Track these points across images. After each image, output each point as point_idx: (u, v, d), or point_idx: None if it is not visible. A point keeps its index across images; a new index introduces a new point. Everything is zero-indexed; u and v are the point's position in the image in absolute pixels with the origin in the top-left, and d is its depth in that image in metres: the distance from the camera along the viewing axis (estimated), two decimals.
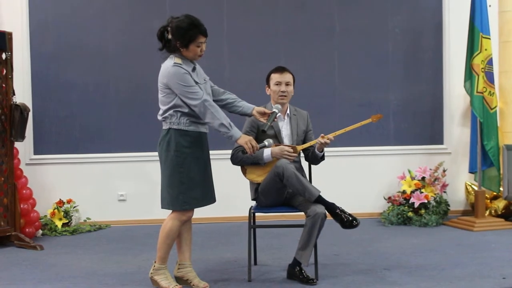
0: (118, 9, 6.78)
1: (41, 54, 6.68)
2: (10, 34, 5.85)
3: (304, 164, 4.83)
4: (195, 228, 4.56)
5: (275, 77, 4.70)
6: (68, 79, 6.72)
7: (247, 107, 4.34)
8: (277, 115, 4.40)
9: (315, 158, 4.71)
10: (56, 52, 6.71)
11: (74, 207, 6.62)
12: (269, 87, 4.75)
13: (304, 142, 4.74)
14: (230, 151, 4.61)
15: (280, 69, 4.73)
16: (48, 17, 6.69)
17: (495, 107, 6.41)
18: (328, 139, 4.50)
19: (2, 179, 5.78)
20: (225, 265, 4.96)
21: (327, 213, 4.34)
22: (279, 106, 4.46)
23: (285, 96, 4.66)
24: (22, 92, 6.41)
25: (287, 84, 4.67)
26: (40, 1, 6.67)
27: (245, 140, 4.12)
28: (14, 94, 5.86)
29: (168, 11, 4.27)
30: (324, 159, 4.74)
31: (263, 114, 4.31)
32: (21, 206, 5.94)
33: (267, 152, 4.49)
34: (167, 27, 4.13)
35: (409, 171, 6.73)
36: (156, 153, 4.25)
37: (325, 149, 4.63)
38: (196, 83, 4.11)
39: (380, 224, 6.54)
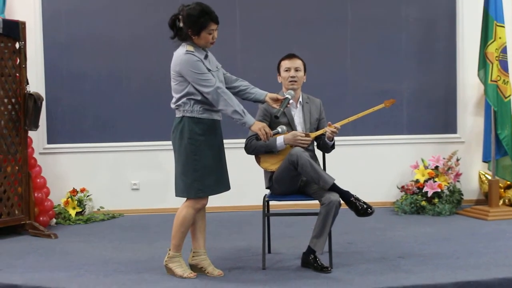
0: None
1: (54, 43, 6.70)
2: (23, 23, 5.86)
3: (318, 152, 4.82)
4: (208, 217, 4.56)
5: (284, 64, 4.70)
6: (81, 69, 6.74)
7: (259, 93, 4.33)
8: (290, 101, 4.38)
9: (325, 146, 4.71)
10: (69, 42, 6.72)
11: (88, 196, 6.65)
12: (279, 74, 4.75)
13: (317, 130, 4.72)
14: (243, 140, 4.60)
15: (290, 56, 4.74)
16: (61, 7, 6.70)
17: (509, 95, 6.35)
18: (335, 127, 4.50)
19: (17, 168, 5.81)
20: (239, 253, 4.96)
21: (341, 201, 4.34)
22: (292, 92, 4.45)
23: (295, 81, 4.65)
24: (36, 81, 6.44)
25: (296, 69, 4.66)
26: None
27: (259, 126, 4.12)
28: (28, 83, 5.88)
29: (180, 1, 4.26)
30: (334, 148, 4.74)
31: (276, 100, 4.30)
32: (35, 195, 5.96)
33: (280, 140, 4.48)
34: (178, 15, 4.14)
35: (423, 160, 6.70)
36: (169, 142, 4.27)
37: (340, 137, 4.62)
38: (209, 70, 4.12)
39: (394, 213, 6.53)
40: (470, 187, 6.95)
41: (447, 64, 6.99)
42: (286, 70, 4.67)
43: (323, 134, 4.62)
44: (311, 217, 4.51)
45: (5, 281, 4.28)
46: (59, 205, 6.52)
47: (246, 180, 6.05)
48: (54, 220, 6.30)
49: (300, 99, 4.74)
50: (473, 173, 6.96)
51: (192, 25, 4.08)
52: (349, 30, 6.94)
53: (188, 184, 4.13)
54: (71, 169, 6.73)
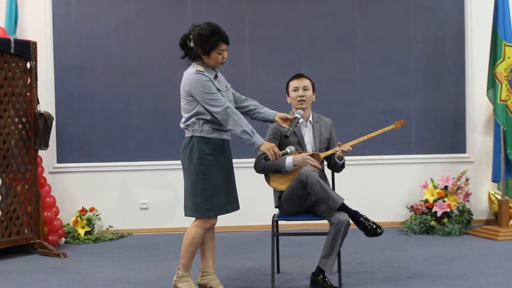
0: (141, 18, 6.83)
1: (64, 63, 6.74)
2: (34, 43, 5.91)
3: (328, 172, 4.83)
4: (217, 236, 4.57)
5: (292, 84, 4.73)
6: (90, 88, 6.77)
7: (269, 113, 4.34)
8: (300, 121, 4.39)
9: (335, 166, 4.72)
10: (79, 61, 6.76)
11: (97, 215, 6.65)
12: (288, 95, 4.76)
13: (327, 149, 4.73)
14: (253, 159, 4.61)
15: (297, 76, 4.77)
16: (71, 28, 6.75)
17: None
18: (345, 148, 4.50)
19: (26, 187, 5.83)
20: (248, 273, 4.95)
21: (350, 221, 4.33)
22: (301, 112, 4.45)
23: (303, 100, 4.66)
24: (46, 100, 6.48)
25: (304, 88, 4.67)
26: (64, 11, 6.74)
27: (268, 146, 4.12)
28: (38, 103, 5.92)
29: (190, 21, 4.31)
30: (344, 167, 4.74)
31: (285, 119, 4.31)
32: (45, 214, 5.98)
33: (289, 160, 4.48)
34: (189, 35, 4.16)
35: (432, 180, 6.69)
36: (179, 161, 4.27)
37: (349, 157, 4.61)
38: (218, 90, 4.13)
39: (403, 233, 6.50)
40: (480, 207, 6.92)
41: (456, 84, 6.98)
42: (295, 90, 4.69)
43: (333, 154, 4.62)
44: (320, 237, 4.50)
45: None
46: (68, 224, 6.52)
47: (255, 200, 6.06)
48: (63, 239, 6.31)
49: (310, 118, 4.75)
50: (483, 193, 6.93)
51: (202, 45, 4.10)
52: (358, 50, 6.95)
53: (197, 204, 4.13)
54: (80, 188, 6.74)
